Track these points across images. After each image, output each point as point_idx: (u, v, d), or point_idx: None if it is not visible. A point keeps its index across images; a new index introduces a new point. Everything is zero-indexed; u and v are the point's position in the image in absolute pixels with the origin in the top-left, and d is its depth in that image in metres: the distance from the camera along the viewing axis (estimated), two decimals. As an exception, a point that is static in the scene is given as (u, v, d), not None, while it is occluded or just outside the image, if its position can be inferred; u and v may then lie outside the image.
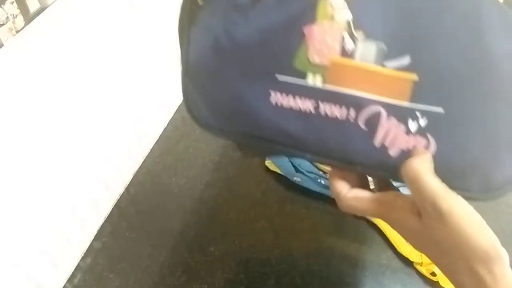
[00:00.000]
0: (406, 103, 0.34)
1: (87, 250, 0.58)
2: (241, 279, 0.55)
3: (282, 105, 0.36)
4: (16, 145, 0.43)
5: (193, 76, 0.40)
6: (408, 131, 0.34)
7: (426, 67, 0.33)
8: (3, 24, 0.39)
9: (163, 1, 0.65)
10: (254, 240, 0.58)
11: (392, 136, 0.35)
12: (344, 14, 0.33)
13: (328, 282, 0.54)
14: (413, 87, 0.33)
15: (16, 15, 0.40)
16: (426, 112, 0.34)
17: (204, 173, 0.67)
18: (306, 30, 0.34)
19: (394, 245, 0.57)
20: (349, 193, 0.37)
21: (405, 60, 0.33)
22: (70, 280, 0.55)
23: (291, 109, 0.36)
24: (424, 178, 0.32)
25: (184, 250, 0.58)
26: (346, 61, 0.34)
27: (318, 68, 0.35)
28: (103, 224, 0.61)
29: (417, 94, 0.33)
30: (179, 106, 0.77)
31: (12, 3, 0.40)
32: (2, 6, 0.39)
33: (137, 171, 0.68)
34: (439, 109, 0.34)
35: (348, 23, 0.33)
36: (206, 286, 0.54)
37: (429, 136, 0.34)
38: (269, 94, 0.36)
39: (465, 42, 0.33)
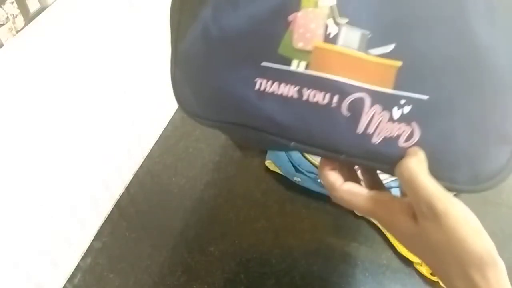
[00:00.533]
0: (390, 90, 0.33)
1: (87, 250, 0.58)
2: (241, 279, 0.55)
3: (267, 92, 0.36)
4: (16, 145, 0.43)
5: (181, 64, 0.41)
6: (392, 119, 0.34)
7: (411, 54, 0.33)
8: (3, 24, 0.39)
9: (163, 1, 0.65)
10: (254, 240, 0.58)
11: (375, 123, 0.34)
12: (328, 1, 0.34)
13: (328, 282, 0.54)
14: (397, 74, 0.33)
15: (16, 15, 0.40)
16: (411, 99, 0.33)
17: (204, 173, 0.67)
18: (290, 17, 0.34)
19: (394, 245, 0.57)
20: (344, 185, 0.37)
21: (390, 47, 0.33)
22: (70, 280, 0.55)
23: (276, 96, 0.36)
24: (419, 178, 0.32)
25: (184, 250, 0.58)
26: (329, 46, 0.34)
27: (302, 54, 0.35)
28: (103, 224, 0.61)
29: (401, 81, 0.33)
30: (179, 106, 0.77)
31: (12, 3, 0.40)
32: (2, 6, 0.39)
33: (137, 171, 0.68)
34: (424, 97, 0.33)
35: (332, 9, 0.34)
36: (206, 286, 0.54)
37: (413, 124, 0.34)
38: (255, 82, 0.36)
39: (450, 29, 0.32)
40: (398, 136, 0.34)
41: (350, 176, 0.38)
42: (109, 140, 0.60)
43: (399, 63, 0.33)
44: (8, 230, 0.45)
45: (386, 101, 0.34)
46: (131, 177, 0.67)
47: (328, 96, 0.35)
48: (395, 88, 0.33)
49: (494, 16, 0.32)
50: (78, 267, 0.57)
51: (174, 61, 0.41)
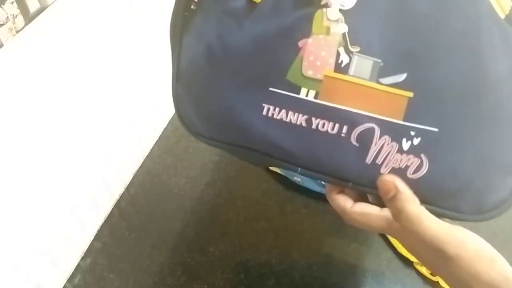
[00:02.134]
0: (400, 121, 0.33)
1: (87, 250, 0.58)
2: (241, 279, 0.55)
3: (274, 118, 0.35)
4: (16, 145, 0.43)
5: (184, 82, 0.40)
6: (401, 150, 0.34)
7: (423, 85, 0.32)
8: (3, 24, 0.39)
9: (163, 1, 0.65)
10: (254, 240, 0.58)
11: (384, 154, 0.34)
12: (340, 28, 0.33)
13: (328, 282, 0.54)
14: (408, 104, 0.33)
15: (16, 15, 0.40)
16: (420, 131, 0.33)
17: (204, 173, 0.67)
18: (301, 43, 0.33)
19: (394, 245, 0.57)
20: (355, 207, 0.36)
21: (401, 77, 0.32)
22: (70, 280, 0.55)
23: (283, 123, 0.35)
24: (424, 224, 0.32)
25: (184, 250, 0.58)
26: (340, 76, 0.33)
27: (312, 82, 0.34)
28: (103, 224, 0.61)
29: (412, 112, 0.33)
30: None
31: (12, 3, 0.40)
32: (2, 6, 0.39)
33: (137, 171, 0.68)
34: (434, 129, 0.33)
35: (344, 37, 0.33)
36: (206, 286, 0.54)
37: (422, 156, 0.33)
38: (262, 107, 0.35)
39: (463, 61, 0.32)
40: (406, 167, 0.34)
41: (359, 194, 0.38)
42: (109, 140, 0.60)
43: (410, 94, 0.32)
44: (8, 230, 0.45)
45: (396, 132, 0.33)
46: (131, 177, 0.67)
47: (337, 126, 0.34)
48: (405, 119, 0.33)
49: (508, 47, 0.31)
50: (78, 267, 0.56)
51: (176, 78, 0.40)
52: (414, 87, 0.32)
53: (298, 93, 0.34)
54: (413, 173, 0.34)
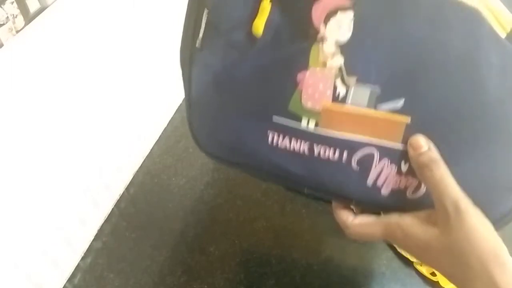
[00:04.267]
0: (398, 145, 0.34)
1: (87, 250, 0.58)
2: (241, 279, 0.55)
3: (279, 145, 0.37)
4: (16, 145, 0.43)
5: (196, 110, 0.41)
6: (400, 172, 0.35)
7: (420, 110, 0.33)
8: (3, 24, 0.39)
9: (164, 2, 0.65)
10: (254, 240, 0.58)
11: (384, 176, 0.35)
12: (336, 60, 0.34)
13: (328, 282, 0.54)
14: (405, 129, 0.33)
15: (16, 15, 0.40)
16: None
17: (204, 173, 0.67)
18: (299, 76, 0.35)
19: (394, 245, 0.57)
20: (354, 220, 0.38)
21: (399, 103, 0.33)
22: (70, 280, 0.55)
23: (287, 150, 0.37)
24: (450, 180, 0.33)
25: (184, 250, 0.58)
26: (338, 107, 0.34)
27: (311, 113, 0.35)
28: (103, 224, 0.61)
29: (409, 135, 0.33)
30: (179, 106, 0.77)
31: (12, 3, 0.40)
32: (2, 6, 0.39)
33: (137, 171, 0.68)
34: None
35: (341, 69, 0.34)
36: (206, 286, 0.54)
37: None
38: (267, 134, 0.37)
39: (460, 84, 0.32)
40: (406, 188, 0.35)
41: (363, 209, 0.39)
42: (109, 140, 0.60)
43: (407, 119, 0.33)
44: (8, 230, 0.45)
45: (395, 155, 0.34)
46: (131, 177, 0.67)
47: (338, 152, 0.35)
48: (403, 142, 0.34)
49: (506, 68, 0.32)
50: (78, 267, 0.57)
51: (189, 105, 0.42)
52: (412, 112, 0.33)
53: (300, 123, 0.36)
54: (413, 193, 0.35)
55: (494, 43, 0.31)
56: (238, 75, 0.37)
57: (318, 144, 0.36)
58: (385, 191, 0.36)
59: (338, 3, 0.32)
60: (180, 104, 0.77)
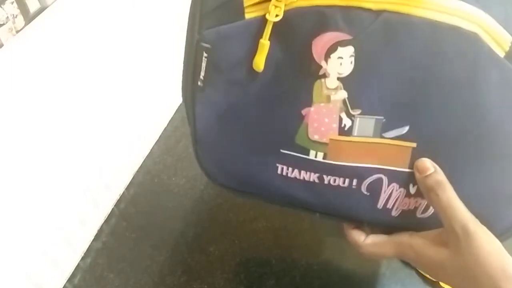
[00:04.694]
0: (405, 169, 0.35)
1: (87, 250, 0.58)
2: (241, 279, 0.55)
3: (289, 176, 0.38)
4: (16, 144, 0.43)
5: (202, 144, 0.42)
6: (409, 194, 0.36)
7: (424, 134, 0.34)
8: (3, 24, 0.39)
9: (164, 2, 0.65)
10: (254, 240, 0.58)
11: (393, 199, 0.37)
12: (339, 95, 0.34)
13: (328, 282, 0.54)
14: (412, 153, 0.35)
15: (16, 15, 0.40)
16: None
17: (204, 173, 0.67)
18: (304, 112, 0.35)
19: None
20: (366, 240, 0.39)
21: (404, 129, 0.34)
22: (70, 280, 0.55)
23: (297, 180, 0.38)
24: (457, 203, 0.33)
25: (184, 250, 0.58)
26: (344, 138, 0.35)
27: (318, 145, 0.36)
28: (103, 224, 0.61)
29: (416, 159, 0.35)
30: (179, 106, 0.77)
31: (12, 3, 0.40)
32: (2, 6, 0.39)
33: (137, 171, 0.68)
34: None
35: (345, 103, 0.34)
36: (206, 286, 0.54)
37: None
38: (276, 167, 0.38)
39: (461, 107, 0.33)
40: (415, 209, 0.37)
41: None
42: (109, 140, 0.60)
43: (413, 144, 0.34)
44: (8, 230, 0.45)
45: (403, 179, 0.36)
46: (131, 177, 0.67)
47: (347, 180, 0.37)
48: (410, 166, 0.35)
49: (505, 86, 0.32)
50: (78, 267, 0.56)
51: (195, 140, 0.42)
52: (417, 137, 0.34)
53: (308, 155, 0.36)
54: (422, 213, 0.37)
55: (493, 64, 0.32)
56: (242, 112, 0.37)
57: (327, 174, 0.37)
58: (395, 213, 0.37)
59: (338, 39, 0.33)
60: (180, 104, 0.77)
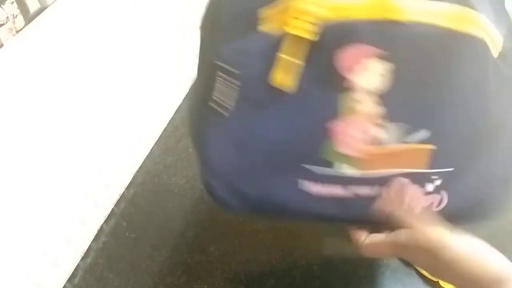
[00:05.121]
0: (424, 170, 0.37)
1: (87, 250, 0.58)
2: (241, 279, 0.55)
3: (311, 191, 0.38)
4: (16, 144, 0.43)
5: (211, 168, 0.40)
6: (426, 192, 0.38)
7: (442, 137, 0.36)
8: (3, 24, 0.39)
9: (165, 2, 0.65)
10: (254, 240, 0.58)
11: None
12: (365, 106, 0.34)
13: (328, 282, 0.54)
14: (430, 155, 0.36)
15: (16, 15, 0.40)
16: (441, 174, 0.37)
17: (204, 173, 0.67)
18: (330, 125, 0.35)
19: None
20: (365, 241, 0.40)
21: (425, 134, 0.35)
22: (70, 280, 0.55)
23: (319, 194, 0.38)
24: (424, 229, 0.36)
25: (184, 250, 0.58)
26: (370, 148, 0.36)
27: (344, 157, 0.36)
28: (103, 224, 0.61)
29: (433, 160, 0.36)
30: (179, 106, 0.77)
31: (12, 3, 0.40)
32: (2, 6, 0.39)
33: (137, 171, 0.68)
34: (450, 169, 0.37)
35: (371, 114, 0.35)
36: (206, 286, 0.54)
37: (442, 192, 0.38)
38: (297, 183, 0.37)
39: (475, 111, 0.35)
40: (432, 204, 0.39)
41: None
42: (109, 140, 0.60)
43: (432, 146, 0.36)
44: (8, 230, 0.45)
45: (422, 180, 0.38)
46: (131, 177, 0.67)
47: (371, 187, 0.38)
48: (428, 167, 0.37)
49: (500, 87, 0.35)
50: (78, 267, 0.56)
51: (202, 163, 0.40)
52: (435, 139, 0.36)
53: (332, 167, 0.36)
54: (437, 206, 0.39)
55: (493, 65, 0.34)
56: (262, 132, 0.36)
57: (352, 184, 0.37)
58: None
59: (366, 51, 0.33)
60: (180, 104, 0.77)
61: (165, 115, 0.75)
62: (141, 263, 0.57)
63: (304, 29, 0.32)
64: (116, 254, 0.58)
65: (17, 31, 0.41)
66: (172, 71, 0.73)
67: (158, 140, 0.72)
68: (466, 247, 0.34)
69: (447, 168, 0.37)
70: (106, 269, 0.56)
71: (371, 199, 0.38)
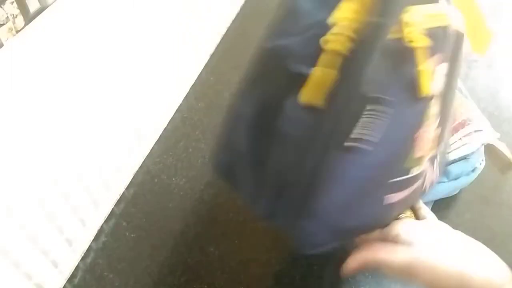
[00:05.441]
0: (436, 152, 0.41)
1: (87, 250, 0.58)
2: (241, 279, 0.55)
3: (392, 203, 0.39)
4: (16, 144, 0.43)
5: (320, 218, 0.38)
6: (435, 171, 0.43)
7: (444, 117, 0.40)
8: (3, 24, 0.39)
9: (164, 2, 0.65)
10: (254, 240, 0.58)
11: (430, 179, 0.42)
12: (435, 109, 0.37)
13: (328, 282, 0.54)
14: (438, 137, 0.40)
15: (16, 15, 0.40)
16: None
17: (204, 173, 0.67)
18: (416, 135, 0.36)
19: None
20: (361, 237, 0.43)
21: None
22: (70, 280, 0.55)
23: (398, 201, 0.39)
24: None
25: (184, 250, 0.58)
26: (433, 144, 0.40)
27: (419, 161, 0.38)
28: (103, 224, 0.61)
29: (441, 139, 0.41)
30: (179, 106, 0.77)
31: (12, 3, 0.40)
32: (2, 6, 0.39)
33: (137, 171, 0.68)
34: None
35: (437, 115, 0.38)
36: (206, 286, 0.54)
37: (435, 163, 0.42)
38: (383, 199, 0.38)
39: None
40: (434, 180, 0.44)
41: None
42: (109, 140, 0.60)
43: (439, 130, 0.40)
44: (8, 230, 0.45)
45: (434, 159, 0.41)
46: (131, 177, 0.67)
47: (421, 180, 0.40)
48: (438, 148, 0.41)
49: None
50: (78, 267, 0.57)
51: (309, 213, 0.37)
52: (441, 121, 0.39)
53: (408, 174, 0.38)
54: (438, 182, 0.44)
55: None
56: (371, 163, 0.34)
57: (415, 182, 0.39)
58: (428, 189, 0.43)
59: (439, 59, 0.35)
60: (180, 104, 0.77)
61: (165, 115, 0.75)
62: (141, 263, 0.57)
63: (420, 39, 0.33)
64: (116, 254, 0.58)
65: (17, 31, 0.41)
66: (172, 71, 0.73)
67: (158, 140, 0.72)
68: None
69: (440, 145, 0.42)
70: (106, 269, 0.56)
71: (420, 190, 0.41)
